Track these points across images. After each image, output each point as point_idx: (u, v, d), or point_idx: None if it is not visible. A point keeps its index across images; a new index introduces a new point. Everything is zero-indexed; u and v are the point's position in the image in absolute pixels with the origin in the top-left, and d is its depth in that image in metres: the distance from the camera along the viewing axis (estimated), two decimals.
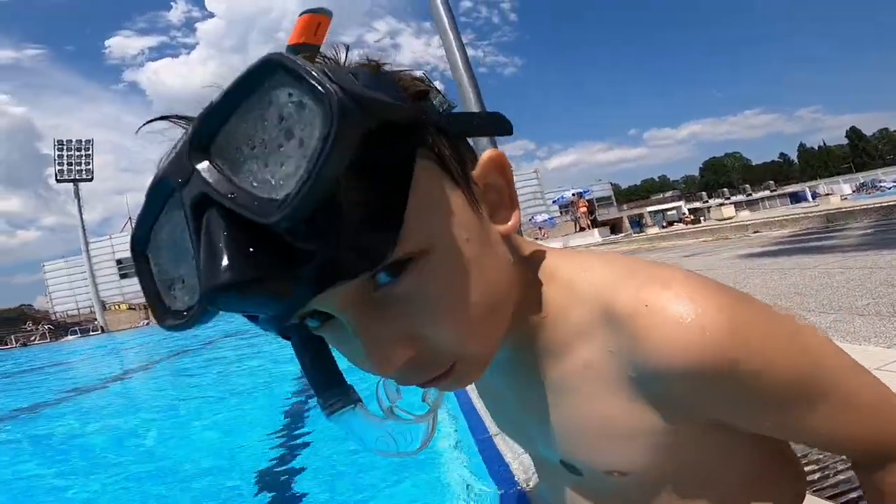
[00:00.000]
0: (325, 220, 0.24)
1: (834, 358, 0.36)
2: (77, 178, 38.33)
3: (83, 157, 38.51)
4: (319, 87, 0.21)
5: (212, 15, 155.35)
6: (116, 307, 35.76)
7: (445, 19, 1.25)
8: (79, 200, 38.53)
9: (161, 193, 0.27)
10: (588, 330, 0.37)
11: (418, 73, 0.35)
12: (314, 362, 0.42)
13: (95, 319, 34.27)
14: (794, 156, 74.94)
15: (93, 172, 39.39)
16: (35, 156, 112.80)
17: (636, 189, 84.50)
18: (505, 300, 0.36)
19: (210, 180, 0.23)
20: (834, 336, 1.77)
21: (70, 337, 30.08)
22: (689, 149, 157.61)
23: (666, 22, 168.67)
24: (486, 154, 0.35)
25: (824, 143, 73.36)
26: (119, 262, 40.53)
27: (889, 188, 19.52)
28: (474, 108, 1.02)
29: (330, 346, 0.38)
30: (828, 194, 18.22)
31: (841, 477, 0.95)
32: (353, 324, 0.30)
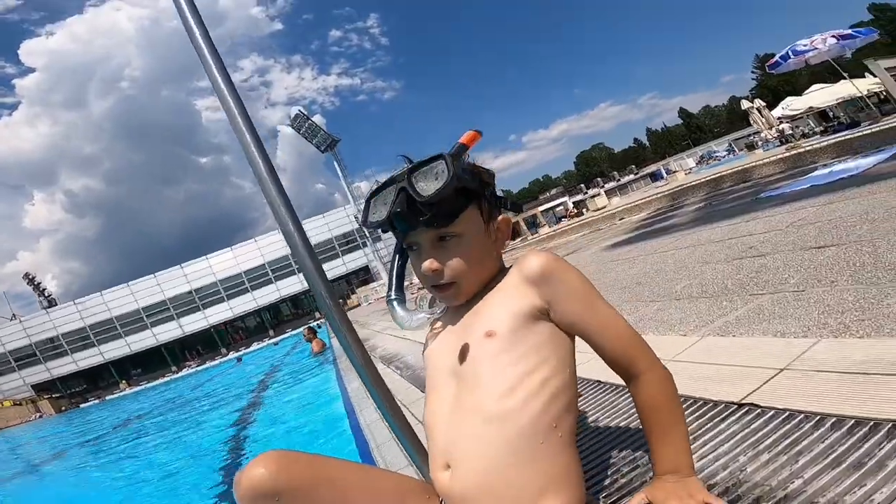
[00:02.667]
0: (435, 205, 0.79)
1: (602, 299, 0.81)
2: None
3: None
4: (449, 169, 0.78)
5: (31, 70, 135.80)
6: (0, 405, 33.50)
7: (222, 84, 1.24)
8: None
9: (389, 184, 0.83)
10: (510, 276, 0.85)
11: (492, 170, 0.89)
12: (399, 271, 0.96)
13: None
14: (645, 139, 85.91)
15: None
16: None
17: (526, 191, 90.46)
18: (482, 271, 0.86)
19: (407, 183, 0.80)
20: (651, 325, 2.00)
21: None
22: (562, 146, 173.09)
23: (523, 30, 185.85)
24: (503, 216, 0.90)
25: (665, 125, 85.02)
26: None
27: (723, 156, 23.13)
28: (260, 164, 1.11)
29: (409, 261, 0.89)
30: (675, 171, 21.07)
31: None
32: (426, 248, 0.83)
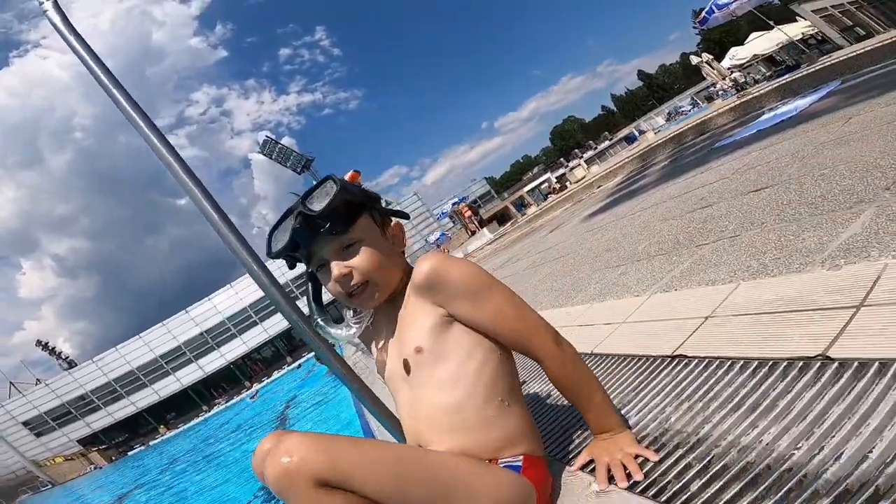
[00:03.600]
0: (328, 217, 0.84)
1: (500, 286, 0.88)
2: None
3: None
4: (336, 184, 0.85)
5: None
6: (51, 461, 34.87)
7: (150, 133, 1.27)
8: None
9: (286, 216, 0.89)
10: (411, 287, 0.89)
11: (379, 195, 0.96)
12: (315, 295, 0.96)
13: (38, 477, 33.70)
14: (612, 106, 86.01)
15: None
16: None
17: (510, 175, 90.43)
18: (391, 271, 0.91)
19: (302, 206, 0.85)
20: (614, 290, 2.07)
21: (23, 496, 29.94)
22: (535, 124, 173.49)
23: (470, 21, 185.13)
24: (395, 222, 0.97)
25: (627, 90, 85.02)
26: (27, 423, 37.86)
27: (688, 109, 23.26)
28: (213, 214, 1.17)
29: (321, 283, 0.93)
30: (645, 131, 21.20)
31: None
32: (332, 259, 0.87)
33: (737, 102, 7.32)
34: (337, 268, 0.86)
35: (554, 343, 0.87)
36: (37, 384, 40.11)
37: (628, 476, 0.83)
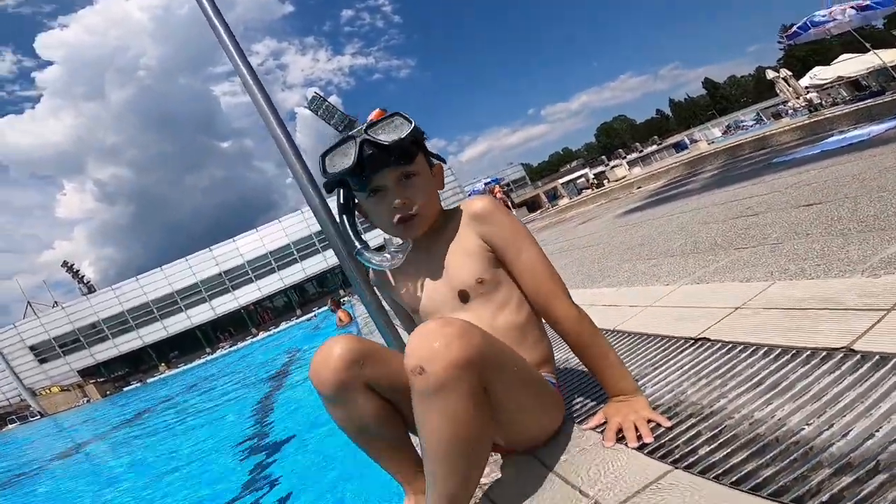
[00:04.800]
0: (397, 149, 0.92)
1: (536, 243, 0.97)
2: None
3: None
4: (409, 121, 0.94)
5: (49, 63, 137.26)
6: (47, 391, 34.32)
7: (242, 67, 1.36)
8: None
9: (345, 141, 0.94)
10: (463, 222, 1.00)
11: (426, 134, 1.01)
12: (353, 226, 1.02)
13: (29, 406, 32.96)
14: (667, 111, 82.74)
15: None
16: None
17: (547, 164, 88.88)
18: (434, 206, 1.00)
19: (368, 135, 0.92)
20: (643, 278, 2.10)
21: (10, 426, 28.99)
22: (583, 118, 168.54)
23: (539, 4, 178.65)
24: (438, 164, 1.04)
25: (688, 96, 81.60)
26: (33, 348, 38.28)
27: (750, 125, 22.26)
28: (287, 147, 1.24)
29: (368, 213, 1.00)
30: (698, 141, 20.41)
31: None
32: (392, 187, 0.94)
33: (806, 122, 6.99)
34: (398, 195, 0.93)
35: (572, 304, 0.96)
36: (54, 307, 40.74)
37: (639, 438, 0.87)
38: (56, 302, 43.01)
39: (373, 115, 1.02)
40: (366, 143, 0.90)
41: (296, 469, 2.04)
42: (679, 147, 26.20)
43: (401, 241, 1.01)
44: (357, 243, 1.03)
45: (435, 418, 0.72)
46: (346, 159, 0.92)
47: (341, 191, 1.01)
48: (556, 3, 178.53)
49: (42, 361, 37.87)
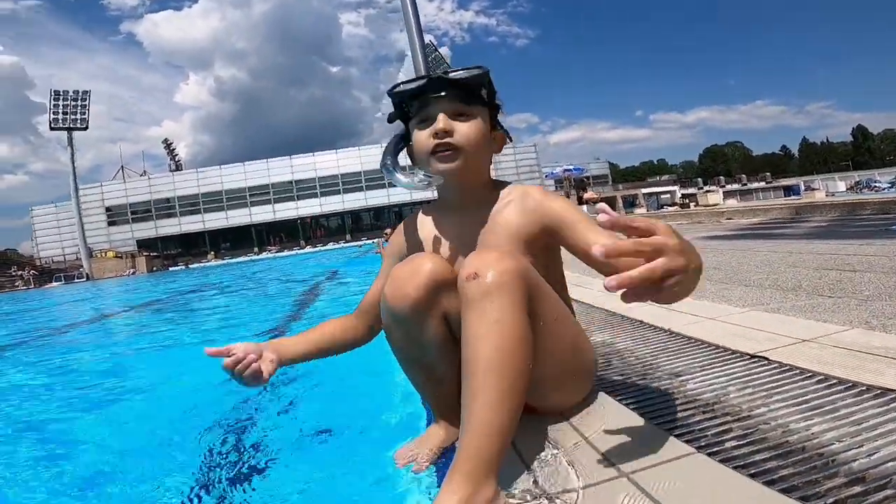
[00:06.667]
0: (461, 86, 0.92)
1: (585, 216, 0.90)
2: (71, 126, 38.57)
3: (79, 107, 38.91)
4: (485, 71, 0.92)
5: None
6: (103, 254, 36.43)
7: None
8: (72, 148, 38.65)
9: (423, 77, 0.93)
10: (511, 196, 0.97)
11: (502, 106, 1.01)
12: (396, 146, 1.02)
13: (81, 266, 34.84)
14: (795, 150, 74.65)
15: (88, 122, 39.69)
16: (24, 104, 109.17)
17: (634, 170, 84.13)
18: (481, 155, 0.95)
19: (442, 72, 0.93)
20: (709, 296, 2.07)
21: (54, 283, 30.16)
22: (693, 134, 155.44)
23: (686, 5, 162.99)
24: (501, 133, 1.01)
25: (827, 140, 73.02)
26: (108, 209, 41.64)
27: (884, 188, 19.75)
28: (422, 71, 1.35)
29: (414, 145, 0.96)
30: (815, 190, 18.47)
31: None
32: (445, 113, 0.90)
33: None
34: (443, 121, 0.89)
35: None
36: (142, 175, 44.37)
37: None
38: (146, 171, 47.24)
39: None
40: (436, 77, 0.91)
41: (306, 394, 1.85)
42: (790, 191, 23.86)
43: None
44: (389, 161, 1.01)
45: (486, 324, 0.71)
46: (414, 83, 0.92)
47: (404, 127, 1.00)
48: (709, 9, 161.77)
49: (111, 224, 41.16)
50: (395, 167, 1.00)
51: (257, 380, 0.87)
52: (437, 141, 0.89)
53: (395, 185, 1.01)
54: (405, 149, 1.01)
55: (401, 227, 1.10)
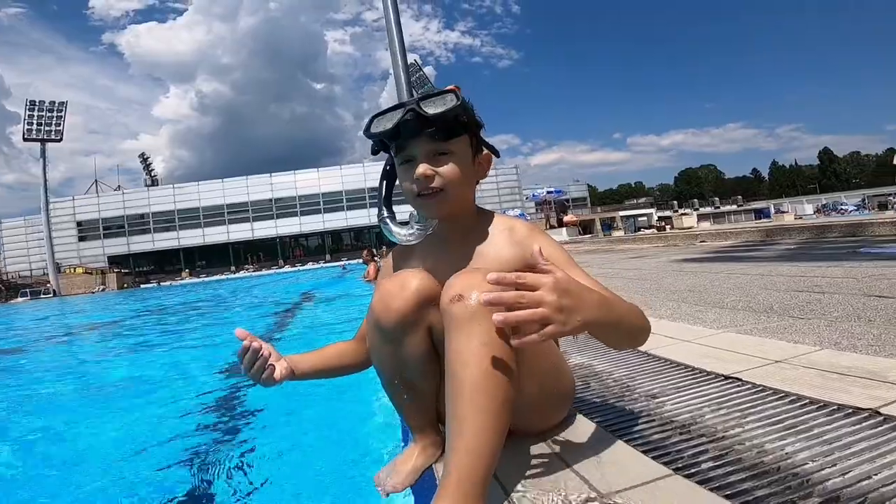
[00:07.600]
0: (437, 123, 0.88)
1: (578, 267, 0.89)
2: (45, 137, 37.73)
3: (54, 118, 38.27)
4: (458, 99, 0.89)
5: None
6: (71, 270, 35.29)
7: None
8: (44, 160, 37.70)
9: (397, 107, 0.91)
10: (498, 229, 0.98)
11: (483, 124, 0.98)
12: (387, 193, 1.03)
13: (48, 282, 33.91)
14: (766, 172, 77.93)
15: (62, 133, 38.85)
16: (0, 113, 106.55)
17: (612, 193, 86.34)
18: (464, 193, 0.95)
19: (416, 105, 0.88)
20: (686, 318, 2.12)
21: (20, 299, 29.53)
22: (669, 157, 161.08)
23: (665, 31, 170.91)
24: (486, 153, 0.99)
25: (796, 163, 76.42)
26: (80, 223, 40.56)
27: (850, 210, 20.62)
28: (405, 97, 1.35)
29: (398, 174, 0.96)
30: (784, 213, 19.20)
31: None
32: (421, 159, 0.90)
33: None
34: (423, 167, 0.89)
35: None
36: (116, 189, 43.29)
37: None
38: (119, 186, 46.15)
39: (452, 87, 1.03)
40: (411, 111, 0.88)
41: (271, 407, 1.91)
42: (760, 213, 24.76)
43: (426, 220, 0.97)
44: (384, 210, 1.01)
45: (474, 346, 0.71)
46: (388, 123, 0.91)
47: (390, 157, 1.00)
48: (687, 34, 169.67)
49: (82, 239, 39.91)
50: (391, 219, 1.02)
51: (269, 379, 0.91)
52: (418, 187, 0.91)
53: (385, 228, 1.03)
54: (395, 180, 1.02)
55: (390, 256, 1.12)
